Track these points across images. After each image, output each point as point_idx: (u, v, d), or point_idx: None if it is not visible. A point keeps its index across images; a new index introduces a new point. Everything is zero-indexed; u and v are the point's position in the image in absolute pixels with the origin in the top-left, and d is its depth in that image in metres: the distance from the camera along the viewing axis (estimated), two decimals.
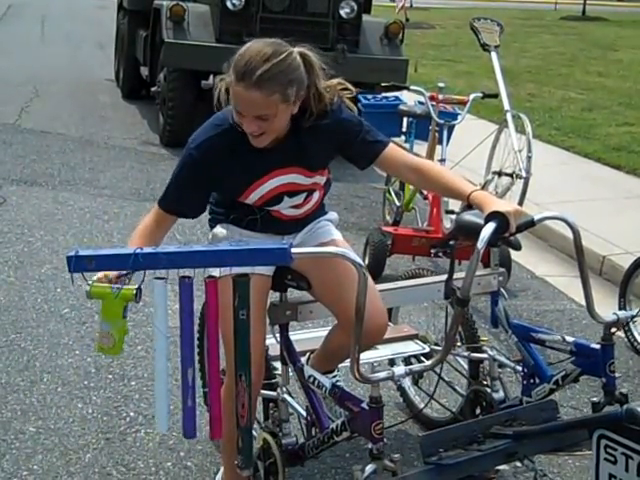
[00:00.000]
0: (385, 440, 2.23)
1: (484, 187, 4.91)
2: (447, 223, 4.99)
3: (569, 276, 5.19)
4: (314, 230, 2.75)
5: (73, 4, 23.84)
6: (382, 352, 3.18)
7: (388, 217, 5.88)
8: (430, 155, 5.34)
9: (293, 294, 2.77)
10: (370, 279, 2.16)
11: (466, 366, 3.19)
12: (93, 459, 3.17)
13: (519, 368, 2.95)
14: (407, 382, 3.51)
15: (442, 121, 5.20)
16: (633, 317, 2.66)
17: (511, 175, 5.18)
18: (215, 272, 2.18)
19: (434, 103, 5.31)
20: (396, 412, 3.55)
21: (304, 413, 2.77)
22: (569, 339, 2.77)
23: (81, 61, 13.91)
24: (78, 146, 8.09)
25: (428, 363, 2.48)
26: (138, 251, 1.95)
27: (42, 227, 5.70)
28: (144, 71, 9.56)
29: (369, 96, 6.25)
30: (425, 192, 5.30)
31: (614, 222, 6.06)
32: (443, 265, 5.20)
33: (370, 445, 2.23)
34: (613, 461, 1.97)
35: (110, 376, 3.77)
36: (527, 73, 13.46)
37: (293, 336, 2.79)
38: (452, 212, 5.00)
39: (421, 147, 5.72)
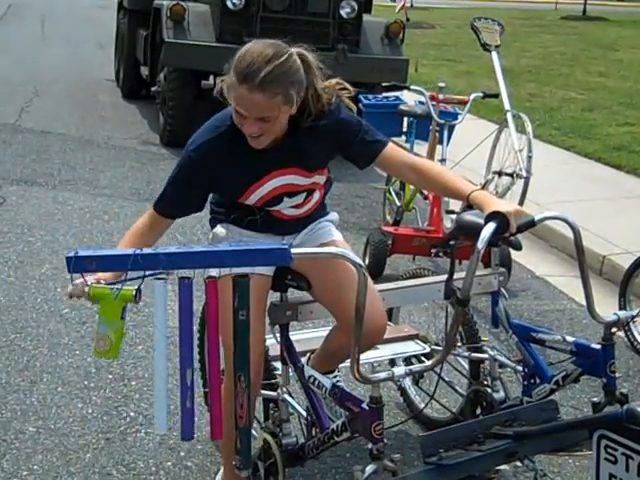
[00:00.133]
0: (385, 440, 2.23)
1: (484, 187, 4.91)
2: (447, 223, 4.98)
3: (569, 276, 5.19)
4: (314, 230, 2.75)
5: (73, 4, 23.82)
6: (382, 352, 3.18)
7: (388, 217, 5.88)
8: (430, 155, 5.35)
9: (293, 294, 2.77)
10: (370, 280, 2.16)
11: (466, 366, 3.19)
12: (93, 459, 3.16)
13: (519, 368, 2.95)
14: (407, 382, 3.50)
15: (442, 121, 5.20)
16: (633, 317, 2.65)
17: (511, 175, 5.19)
18: (215, 272, 2.18)
19: (434, 103, 5.31)
20: (396, 412, 3.55)
21: (304, 413, 2.77)
22: (569, 339, 2.77)
23: (81, 61, 13.90)
24: (78, 146, 8.09)
25: (428, 363, 2.48)
26: (138, 252, 1.94)
27: (42, 227, 5.70)
28: (144, 71, 9.56)
29: (370, 96, 6.24)
30: (425, 192, 5.30)
31: (614, 222, 6.06)
32: (443, 265, 5.20)
33: (370, 445, 2.23)
34: (613, 461, 1.96)
35: (110, 376, 3.77)
36: (527, 73, 13.46)
37: (293, 336, 2.79)
38: (452, 212, 4.99)
39: (421, 147, 5.72)
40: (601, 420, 2.05)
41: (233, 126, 2.43)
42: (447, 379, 3.22)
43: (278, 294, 2.73)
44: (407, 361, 3.34)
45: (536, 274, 5.40)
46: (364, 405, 2.27)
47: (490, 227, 2.23)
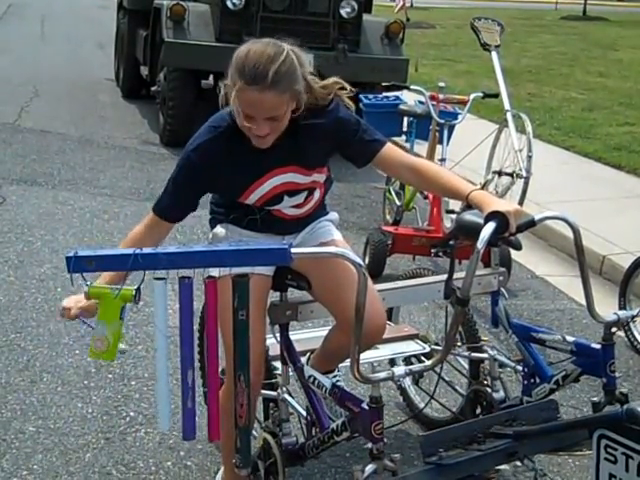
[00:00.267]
0: (385, 440, 2.23)
1: (484, 187, 4.92)
2: (447, 223, 4.99)
3: (569, 276, 5.19)
4: (314, 230, 2.74)
5: (73, 3, 23.83)
6: (382, 352, 3.18)
7: (388, 217, 5.88)
8: (430, 155, 5.35)
9: (293, 294, 2.77)
10: (370, 280, 2.16)
11: (466, 366, 3.19)
12: (93, 459, 3.16)
13: (519, 368, 2.95)
14: (407, 382, 3.50)
15: (442, 121, 5.20)
16: (633, 317, 2.65)
17: (511, 175, 5.19)
18: (215, 272, 2.18)
19: (434, 103, 5.31)
20: (396, 412, 3.55)
21: (304, 413, 2.77)
22: (569, 339, 2.77)
23: (81, 60, 13.90)
24: (78, 146, 8.09)
25: (428, 363, 2.47)
26: (137, 252, 1.94)
27: (42, 227, 5.70)
28: (144, 71, 9.56)
29: (370, 96, 6.24)
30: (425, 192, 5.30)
31: (614, 222, 6.06)
32: (443, 265, 5.20)
33: (370, 445, 2.22)
34: (613, 461, 1.96)
35: (110, 376, 3.77)
36: (527, 73, 13.47)
37: (293, 336, 2.79)
38: (452, 212, 5.00)
39: (421, 147, 5.72)
40: (601, 420, 2.05)
41: (231, 126, 2.43)
42: (447, 379, 3.21)
43: (278, 294, 2.73)
44: (407, 361, 3.34)
45: (536, 274, 5.40)
46: (364, 405, 2.27)
47: (490, 227, 2.23)
